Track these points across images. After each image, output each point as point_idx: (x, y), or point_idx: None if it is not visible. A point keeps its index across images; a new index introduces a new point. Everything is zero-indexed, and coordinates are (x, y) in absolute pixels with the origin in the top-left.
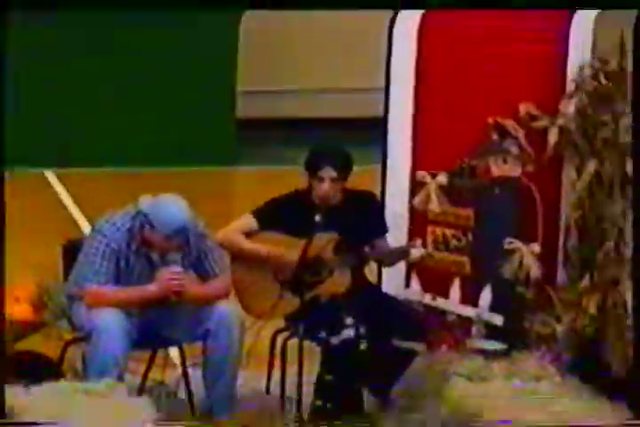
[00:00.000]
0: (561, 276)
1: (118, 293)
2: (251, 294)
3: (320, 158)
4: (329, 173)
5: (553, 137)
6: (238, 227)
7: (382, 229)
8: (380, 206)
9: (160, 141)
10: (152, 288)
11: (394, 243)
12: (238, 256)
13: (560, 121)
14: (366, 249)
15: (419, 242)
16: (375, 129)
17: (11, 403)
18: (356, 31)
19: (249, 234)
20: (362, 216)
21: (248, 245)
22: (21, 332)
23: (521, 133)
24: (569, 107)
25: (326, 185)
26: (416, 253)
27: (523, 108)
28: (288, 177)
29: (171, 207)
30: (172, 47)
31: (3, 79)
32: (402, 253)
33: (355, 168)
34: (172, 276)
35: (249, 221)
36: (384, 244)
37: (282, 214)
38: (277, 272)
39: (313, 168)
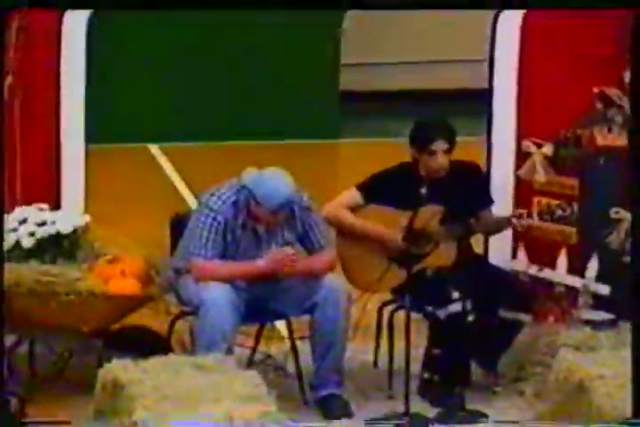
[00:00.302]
0: None
1: (227, 267)
2: (357, 266)
3: (432, 131)
4: (441, 145)
5: None
6: (343, 202)
7: (488, 200)
8: (485, 177)
9: (264, 114)
10: (261, 264)
11: (499, 214)
12: (344, 231)
13: None
14: (472, 221)
15: (523, 212)
16: (479, 100)
17: (120, 377)
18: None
19: (354, 208)
20: (467, 188)
21: (353, 219)
22: (129, 306)
23: (625, 102)
24: None
25: (440, 158)
26: (521, 222)
27: (627, 76)
28: (391, 150)
29: (274, 181)
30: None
31: (2, 79)
32: (507, 224)
33: (459, 140)
34: (283, 255)
35: (354, 196)
36: (489, 215)
37: (387, 188)
38: (382, 245)
39: (424, 141)
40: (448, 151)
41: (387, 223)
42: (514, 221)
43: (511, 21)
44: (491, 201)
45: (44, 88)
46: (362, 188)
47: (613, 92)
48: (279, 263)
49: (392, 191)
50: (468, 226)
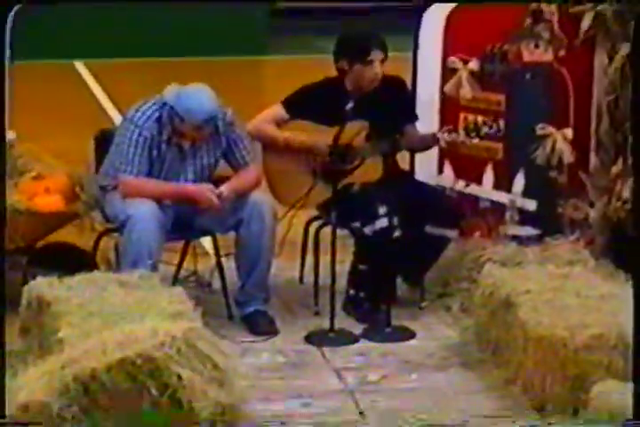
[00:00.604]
0: (593, 161)
1: (154, 185)
2: (283, 183)
3: (368, 41)
4: (378, 55)
5: (587, 22)
6: (268, 116)
7: (413, 115)
8: (410, 93)
9: (191, 30)
10: (190, 190)
11: (425, 129)
12: (269, 146)
13: (600, 6)
14: (397, 136)
15: (450, 128)
16: (406, 17)
17: (45, 294)
18: None
19: (279, 124)
20: (392, 103)
21: (278, 133)
22: (54, 223)
23: (555, 18)
24: None
25: (377, 67)
26: (446, 138)
27: None
28: (318, 67)
29: (198, 97)
30: None
31: (2, 79)
32: (432, 140)
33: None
34: (211, 194)
35: (279, 111)
36: (414, 131)
37: (312, 103)
38: (309, 161)
39: (360, 51)
40: (383, 61)
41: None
42: (439, 136)
43: None
44: (416, 116)
45: None
46: (286, 102)
47: (546, 8)
48: (205, 197)
49: (317, 106)
50: (394, 142)
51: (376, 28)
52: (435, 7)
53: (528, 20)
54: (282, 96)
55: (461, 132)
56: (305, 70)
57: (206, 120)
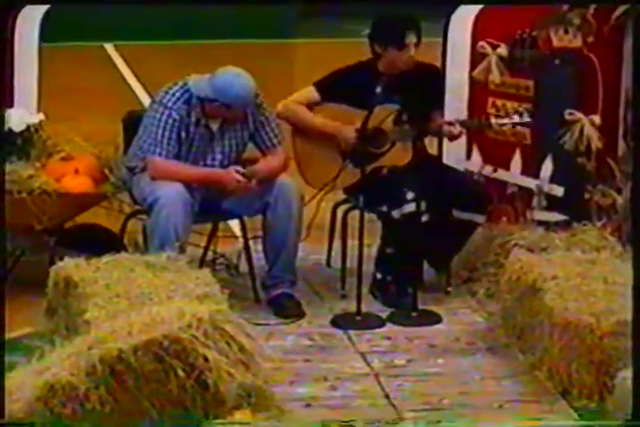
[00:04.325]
0: (622, 147)
1: (183, 168)
2: (311, 165)
3: (403, 25)
4: (413, 38)
5: (620, 8)
6: (300, 98)
7: (441, 102)
8: (441, 79)
9: (220, 14)
10: (218, 173)
11: (454, 115)
12: (299, 128)
13: None
14: (426, 121)
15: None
16: (436, 3)
17: (72, 275)
18: None
19: (311, 106)
20: (423, 88)
21: (309, 116)
22: (82, 204)
23: (591, 5)
24: None
25: (411, 51)
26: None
27: None
28: (348, 50)
29: (234, 78)
30: None
31: (2, 79)
32: (462, 125)
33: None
34: (239, 177)
35: (311, 93)
36: (441, 117)
37: (344, 86)
38: (338, 144)
39: (395, 35)
40: (416, 46)
41: (342, 122)
42: (468, 123)
43: None
44: (443, 104)
45: None
46: (319, 84)
47: None
48: (234, 183)
49: (350, 89)
50: (423, 127)
51: (406, 14)
52: None
53: (565, 6)
54: (310, 80)
55: (490, 116)
56: (334, 54)
57: (239, 101)
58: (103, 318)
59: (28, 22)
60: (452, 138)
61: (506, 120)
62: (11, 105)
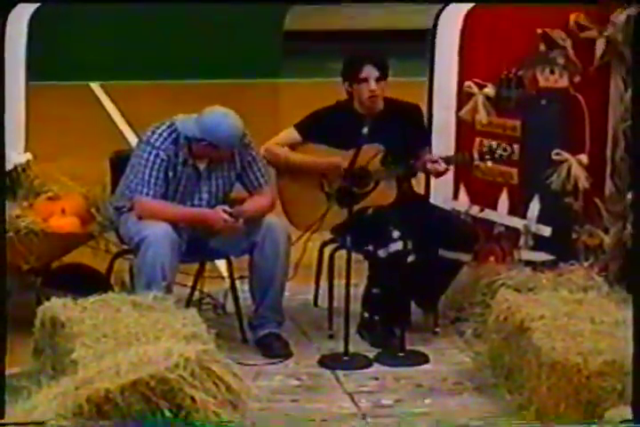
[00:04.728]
0: (609, 187)
1: (170, 208)
2: (297, 205)
3: (359, 58)
4: (371, 71)
5: (600, 47)
6: (282, 140)
7: (427, 140)
8: (424, 118)
9: (205, 53)
10: (205, 213)
11: (441, 154)
12: (283, 168)
13: (608, 31)
14: (412, 161)
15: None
16: (422, 41)
17: (60, 315)
18: None
19: (293, 147)
20: (407, 128)
21: (292, 155)
22: (69, 244)
23: (569, 44)
24: (619, 17)
25: (372, 85)
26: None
27: (572, 18)
28: (332, 90)
29: (222, 118)
30: None
31: (2, 79)
32: (446, 162)
33: (402, 80)
34: (226, 217)
35: (292, 134)
36: (428, 154)
37: (325, 126)
38: (324, 184)
39: (353, 69)
40: (380, 79)
41: None
42: (452, 159)
43: None
44: (430, 141)
45: None
46: (300, 126)
47: (556, 34)
48: (220, 222)
49: (330, 130)
50: (409, 166)
51: (391, 53)
52: (444, 30)
53: (542, 46)
54: (295, 119)
55: (476, 156)
56: (318, 93)
57: (227, 142)
58: (90, 358)
59: (13, 57)
60: (438, 175)
61: (488, 155)
62: None
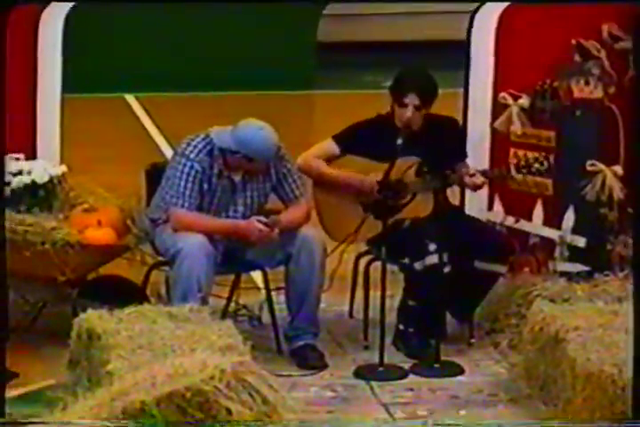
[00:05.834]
0: None
1: (206, 220)
2: (333, 217)
3: (405, 84)
4: (413, 100)
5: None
6: (319, 152)
7: (464, 154)
8: (461, 131)
9: (240, 65)
10: (241, 225)
11: (476, 166)
12: (319, 182)
13: None
14: (448, 172)
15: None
16: (457, 52)
17: (95, 326)
18: None
19: (330, 159)
20: (443, 141)
21: (328, 170)
22: (105, 256)
23: (603, 54)
24: None
25: (409, 112)
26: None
27: (605, 29)
28: (367, 102)
29: (257, 131)
30: None
31: (2, 79)
32: (483, 175)
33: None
34: (261, 227)
35: (330, 146)
36: (465, 168)
37: (363, 139)
38: (360, 196)
39: (398, 94)
40: (421, 106)
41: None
42: (489, 173)
43: None
44: (465, 155)
45: (20, 36)
46: (338, 138)
47: (591, 44)
48: (256, 232)
49: (369, 142)
50: (444, 178)
51: (427, 64)
52: (478, 42)
53: (576, 56)
54: (330, 131)
55: (512, 168)
56: (352, 105)
57: (264, 154)
58: (126, 370)
59: (49, 69)
60: (476, 188)
61: (525, 170)
62: (33, 156)
